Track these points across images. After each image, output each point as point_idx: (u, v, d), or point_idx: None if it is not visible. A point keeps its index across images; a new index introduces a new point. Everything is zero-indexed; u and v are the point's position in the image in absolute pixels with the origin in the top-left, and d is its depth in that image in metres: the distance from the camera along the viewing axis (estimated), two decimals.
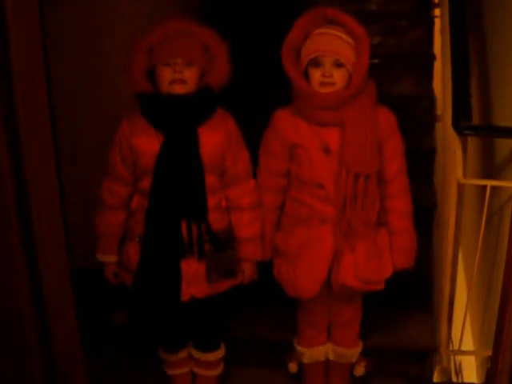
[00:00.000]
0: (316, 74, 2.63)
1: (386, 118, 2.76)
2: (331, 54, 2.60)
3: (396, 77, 4.31)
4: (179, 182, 2.67)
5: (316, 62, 2.62)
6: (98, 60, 3.55)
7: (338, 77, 2.62)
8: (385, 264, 2.83)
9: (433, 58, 4.44)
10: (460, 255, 3.30)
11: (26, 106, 1.68)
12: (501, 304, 1.84)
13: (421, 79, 4.40)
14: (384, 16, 4.59)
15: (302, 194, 2.79)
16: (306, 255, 2.80)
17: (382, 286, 2.86)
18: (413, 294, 3.60)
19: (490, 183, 2.80)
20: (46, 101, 1.83)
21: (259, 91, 4.08)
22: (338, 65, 2.61)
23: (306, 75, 2.66)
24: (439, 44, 4.54)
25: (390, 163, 2.77)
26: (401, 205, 2.83)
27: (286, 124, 2.76)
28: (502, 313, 1.81)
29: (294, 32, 2.67)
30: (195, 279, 2.76)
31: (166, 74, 2.59)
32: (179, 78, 2.59)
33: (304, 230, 2.80)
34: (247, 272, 2.88)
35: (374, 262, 2.80)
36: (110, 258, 2.85)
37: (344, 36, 2.63)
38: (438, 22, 4.75)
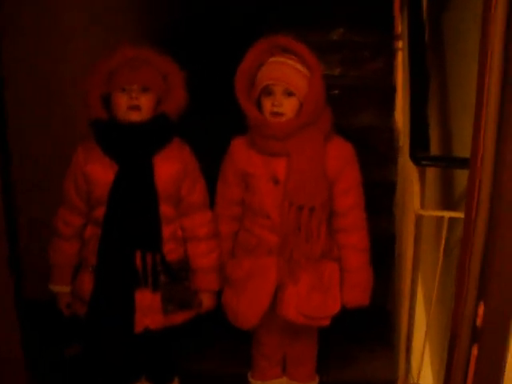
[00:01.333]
0: (267, 103, 2.59)
1: (341, 150, 2.70)
2: (281, 83, 2.56)
3: (357, 108, 4.32)
4: (133, 211, 2.64)
5: (267, 91, 2.59)
6: (54, 85, 3.54)
7: (288, 106, 2.58)
8: (332, 300, 2.75)
9: (393, 89, 4.45)
10: (420, 288, 3.27)
11: None
12: (450, 338, 1.81)
13: (382, 111, 4.41)
14: (346, 46, 4.62)
15: (253, 224, 2.75)
16: (250, 286, 2.75)
17: (326, 323, 2.77)
18: (373, 327, 3.57)
19: (447, 214, 2.78)
20: None
21: (220, 120, 4.05)
22: (289, 94, 2.57)
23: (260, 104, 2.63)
24: (401, 76, 4.56)
25: (344, 196, 2.70)
26: (354, 240, 2.75)
27: (240, 153, 2.73)
28: (452, 346, 1.78)
29: (247, 60, 2.64)
30: (150, 310, 2.71)
31: (122, 101, 2.56)
32: (135, 105, 2.56)
33: (251, 260, 2.75)
34: (205, 303, 2.84)
35: (317, 297, 2.72)
36: (63, 289, 2.79)
37: (297, 65, 2.59)
38: (400, 53, 4.77)
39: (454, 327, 1.79)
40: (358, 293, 2.78)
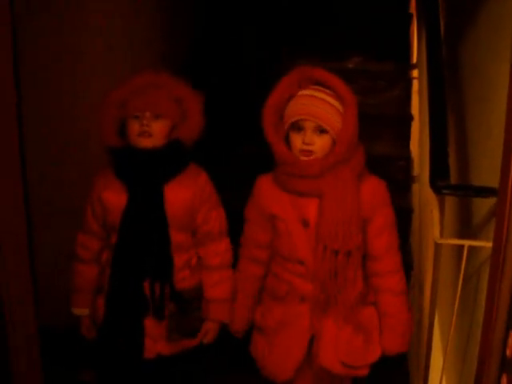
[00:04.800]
0: (297, 140, 2.44)
1: (374, 189, 2.55)
2: (313, 119, 2.40)
3: (373, 137, 4.31)
4: (144, 239, 2.65)
5: (297, 127, 2.43)
6: (76, 115, 3.55)
7: (320, 144, 2.43)
8: (372, 347, 2.59)
9: (410, 118, 4.46)
10: (437, 317, 3.24)
11: None
12: (478, 366, 1.79)
13: (398, 140, 4.42)
14: (362, 75, 4.62)
15: (282, 270, 2.61)
16: (283, 336, 2.61)
17: (365, 372, 2.62)
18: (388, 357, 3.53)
19: (467, 243, 2.75)
20: (17, 149, 1.80)
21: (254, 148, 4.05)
22: (321, 131, 2.41)
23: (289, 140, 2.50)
24: (417, 104, 4.57)
25: (378, 238, 2.55)
26: (391, 283, 2.59)
27: (265, 193, 2.60)
28: (480, 374, 1.77)
29: (277, 93, 2.48)
30: (161, 337, 2.73)
31: (134, 127, 2.59)
32: (146, 131, 2.57)
33: (282, 308, 2.62)
34: (211, 332, 2.82)
35: (358, 345, 2.57)
36: (83, 311, 2.82)
37: (330, 99, 2.43)
38: (415, 82, 4.78)
39: (482, 355, 1.77)
40: (398, 339, 2.63)
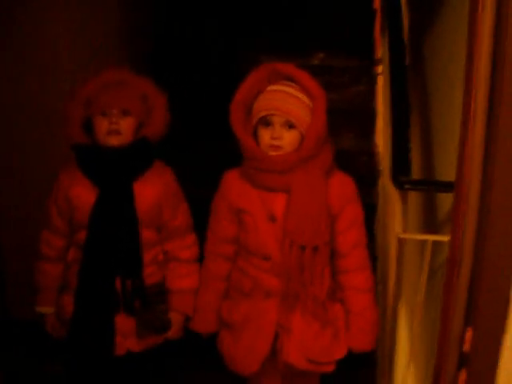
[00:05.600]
0: (265, 135, 2.44)
1: (342, 185, 2.55)
2: (282, 114, 2.40)
3: (337, 132, 4.30)
4: (114, 237, 2.63)
5: (266, 121, 2.43)
6: (38, 109, 3.54)
7: (289, 139, 2.43)
8: (339, 344, 2.59)
9: (374, 113, 4.46)
10: (403, 313, 3.24)
11: None
12: (436, 362, 1.79)
13: (362, 134, 4.41)
14: (326, 71, 4.61)
15: (247, 265, 2.60)
16: (249, 330, 2.59)
17: (331, 368, 2.62)
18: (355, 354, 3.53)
19: (430, 238, 2.76)
20: None
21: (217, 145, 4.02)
22: (290, 126, 2.41)
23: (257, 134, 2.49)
24: (382, 100, 4.57)
25: (345, 234, 2.55)
26: (359, 281, 2.58)
27: (233, 187, 2.59)
28: (438, 370, 1.76)
29: (245, 88, 2.48)
30: (131, 333, 2.70)
31: (102, 125, 2.56)
32: (115, 129, 2.55)
33: (248, 304, 2.60)
34: (175, 325, 2.79)
35: (323, 342, 2.57)
36: (48, 310, 2.79)
37: (299, 94, 2.43)
38: (380, 78, 4.79)
39: (440, 351, 1.76)
40: (364, 336, 2.62)
